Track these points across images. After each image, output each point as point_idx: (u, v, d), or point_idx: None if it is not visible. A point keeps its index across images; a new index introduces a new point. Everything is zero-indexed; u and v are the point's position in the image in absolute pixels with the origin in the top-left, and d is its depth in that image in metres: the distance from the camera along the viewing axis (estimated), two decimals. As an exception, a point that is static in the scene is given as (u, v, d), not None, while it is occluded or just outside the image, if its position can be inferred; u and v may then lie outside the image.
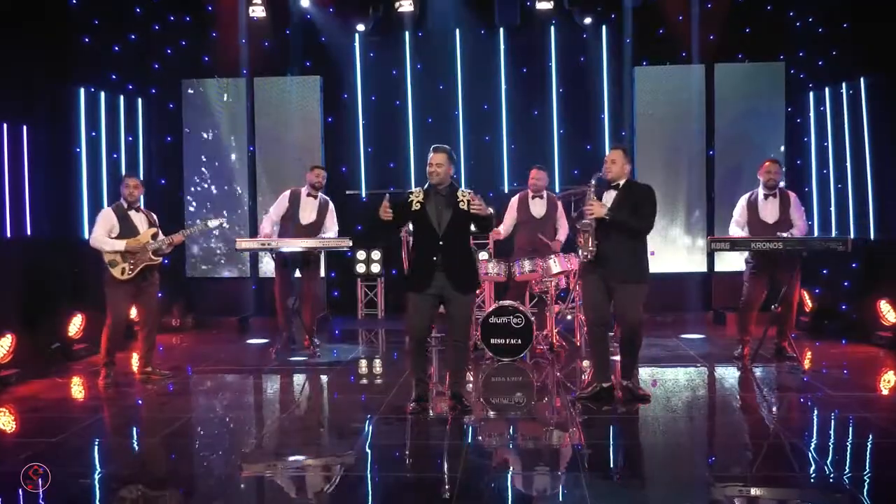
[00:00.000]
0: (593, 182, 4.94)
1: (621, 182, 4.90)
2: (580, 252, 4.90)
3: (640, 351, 5.03)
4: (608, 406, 4.83)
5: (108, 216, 5.70)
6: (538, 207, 6.74)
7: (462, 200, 4.67)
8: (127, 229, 5.68)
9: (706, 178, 8.67)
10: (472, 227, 4.77)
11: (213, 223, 6.18)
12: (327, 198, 6.94)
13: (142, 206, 5.93)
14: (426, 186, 4.78)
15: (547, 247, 6.51)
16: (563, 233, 6.75)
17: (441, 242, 4.67)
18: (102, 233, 5.63)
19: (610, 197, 4.88)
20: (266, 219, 6.90)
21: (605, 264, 4.80)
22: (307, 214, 6.76)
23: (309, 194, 6.79)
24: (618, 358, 5.15)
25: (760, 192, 6.17)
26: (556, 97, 9.07)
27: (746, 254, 6.14)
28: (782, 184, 6.31)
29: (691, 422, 4.64)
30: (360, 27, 8.84)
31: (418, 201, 4.72)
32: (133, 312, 6.08)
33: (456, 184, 4.83)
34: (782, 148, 8.50)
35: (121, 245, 5.60)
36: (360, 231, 8.69)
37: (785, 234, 5.88)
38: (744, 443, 4.29)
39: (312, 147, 8.93)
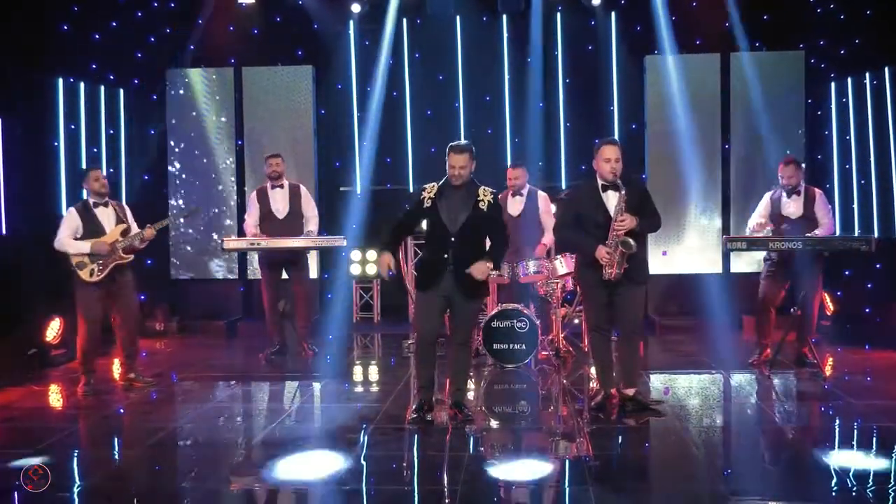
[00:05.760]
0: (623, 193, 4.70)
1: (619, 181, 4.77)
2: (606, 270, 4.68)
3: (651, 356, 5.03)
4: (618, 417, 4.82)
5: (71, 216, 5.69)
6: (516, 206, 6.67)
7: (483, 200, 4.70)
8: (92, 228, 5.67)
9: (721, 173, 8.66)
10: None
11: (181, 218, 6.20)
12: (296, 182, 6.97)
13: (120, 201, 5.92)
14: (442, 182, 4.79)
15: (531, 251, 6.47)
16: (548, 235, 6.65)
17: (453, 239, 4.69)
18: (67, 234, 5.63)
19: (613, 198, 4.77)
20: (246, 227, 6.89)
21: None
22: (279, 206, 6.78)
23: (273, 186, 6.79)
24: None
25: (783, 189, 6.18)
26: (563, 88, 9.05)
27: (765, 252, 6.14)
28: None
29: (705, 432, 4.64)
30: (356, 7, 8.84)
31: (430, 197, 4.74)
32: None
33: (476, 181, 4.82)
34: (803, 142, 8.49)
35: (85, 247, 5.58)
36: (354, 230, 8.68)
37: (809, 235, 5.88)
38: (761, 454, 4.29)
39: (304, 140, 8.91)
